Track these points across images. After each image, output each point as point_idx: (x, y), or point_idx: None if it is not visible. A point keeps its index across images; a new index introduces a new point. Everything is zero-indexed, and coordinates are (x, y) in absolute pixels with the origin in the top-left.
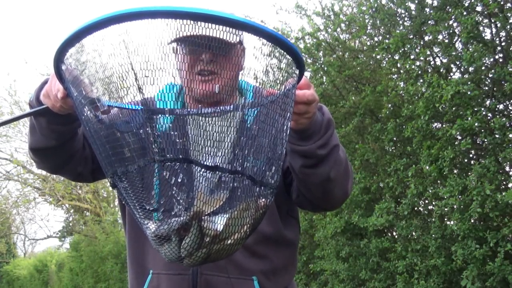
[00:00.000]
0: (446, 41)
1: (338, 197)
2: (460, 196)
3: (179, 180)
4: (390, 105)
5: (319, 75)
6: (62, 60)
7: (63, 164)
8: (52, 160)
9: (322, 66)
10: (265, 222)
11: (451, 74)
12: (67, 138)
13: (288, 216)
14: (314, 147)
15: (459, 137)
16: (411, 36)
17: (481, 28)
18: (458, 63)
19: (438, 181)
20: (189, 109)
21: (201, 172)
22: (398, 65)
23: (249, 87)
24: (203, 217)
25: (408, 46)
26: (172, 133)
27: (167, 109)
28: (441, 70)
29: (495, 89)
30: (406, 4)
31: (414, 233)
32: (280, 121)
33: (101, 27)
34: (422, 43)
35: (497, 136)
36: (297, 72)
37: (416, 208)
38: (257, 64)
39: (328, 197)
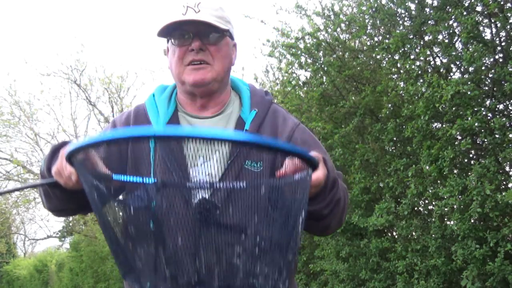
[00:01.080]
0: (446, 41)
1: (334, 229)
2: (460, 196)
3: None
4: (390, 105)
5: (319, 75)
6: (72, 160)
7: (81, 211)
8: (72, 212)
9: (322, 66)
10: None
11: (451, 74)
12: (85, 201)
13: None
14: (318, 208)
15: (459, 137)
16: (411, 36)
17: (481, 28)
18: (458, 63)
19: (438, 181)
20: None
21: None
22: (398, 65)
23: (245, 86)
24: None
25: (408, 46)
26: (184, 260)
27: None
28: (441, 70)
29: (495, 89)
30: (406, 4)
31: (414, 233)
32: (292, 223)
33: (102, 144)
34: (422, 43)
35: (497, 136)
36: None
37: (416, 208)
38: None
39: (325, 232)
